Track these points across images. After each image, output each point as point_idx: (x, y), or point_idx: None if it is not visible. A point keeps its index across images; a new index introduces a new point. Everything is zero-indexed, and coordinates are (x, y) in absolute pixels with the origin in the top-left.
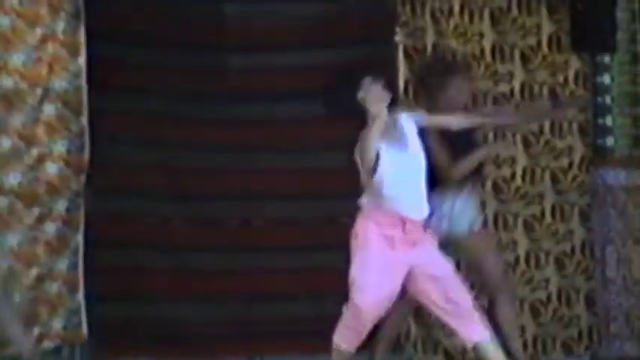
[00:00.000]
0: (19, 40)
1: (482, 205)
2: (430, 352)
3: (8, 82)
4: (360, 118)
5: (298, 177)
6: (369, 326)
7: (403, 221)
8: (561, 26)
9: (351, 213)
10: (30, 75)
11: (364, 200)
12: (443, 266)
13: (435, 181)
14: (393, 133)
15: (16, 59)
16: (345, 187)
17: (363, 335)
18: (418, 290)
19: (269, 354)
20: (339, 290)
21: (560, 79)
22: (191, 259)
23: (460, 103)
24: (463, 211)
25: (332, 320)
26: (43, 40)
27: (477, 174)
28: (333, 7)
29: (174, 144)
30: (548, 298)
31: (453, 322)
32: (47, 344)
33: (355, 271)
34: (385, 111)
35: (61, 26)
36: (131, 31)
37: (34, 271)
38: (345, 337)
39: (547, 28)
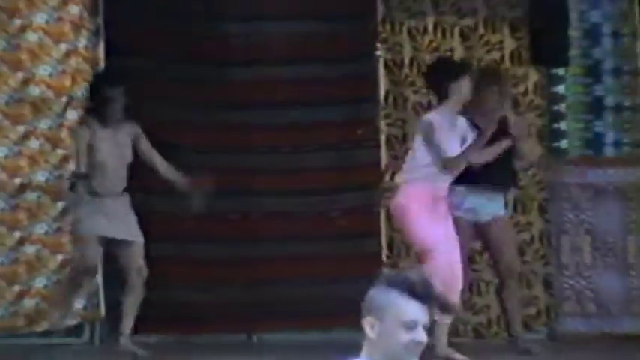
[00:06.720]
0: (45, 54)
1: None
2: None
3: (36, 91)
4: (343, 125)
5: (293, 176)
6: (457, 273)
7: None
8: (522, 43)
9: (339, 207)
10: (55, 85)
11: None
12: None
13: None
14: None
15: (43, 71)
16: (334, 185)
17: (459, 285)
18: None
19: (266, 331)
20: (328, 275)
21: (521, 89)
22: (197, 249)
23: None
24: (488, 202)
25: (323, 301)
26: (67, 54)
27: (504, 168)
28: (323, 26)
29: (184, 147)
30: None
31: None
32: (70, 321)
33: (418, 240)
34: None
35: (82, 42)
36: (145, 48)
37: (59, 257)
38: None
39: (509, 45)
